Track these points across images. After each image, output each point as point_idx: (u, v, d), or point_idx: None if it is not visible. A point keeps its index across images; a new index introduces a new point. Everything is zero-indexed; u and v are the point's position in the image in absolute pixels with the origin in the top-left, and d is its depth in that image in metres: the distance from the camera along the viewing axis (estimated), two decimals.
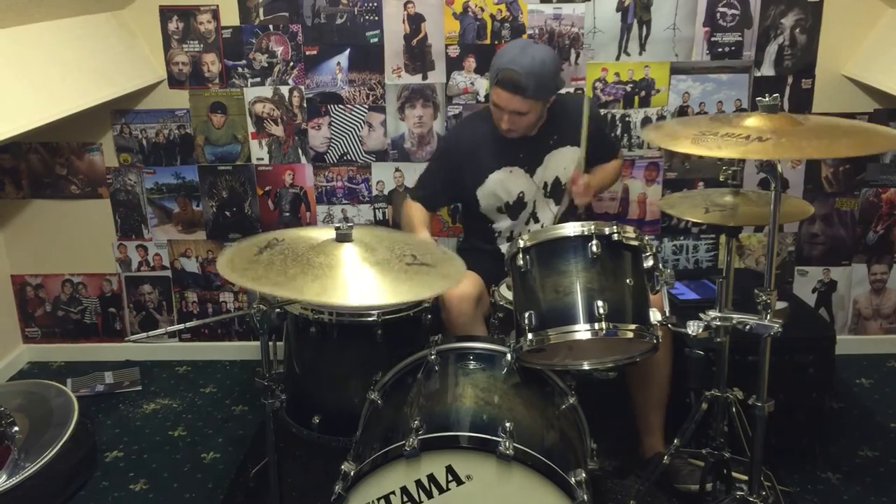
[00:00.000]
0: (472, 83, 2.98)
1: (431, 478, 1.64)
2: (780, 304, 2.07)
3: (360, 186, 3.12)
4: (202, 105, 3.05)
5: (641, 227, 3.10)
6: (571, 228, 1.87)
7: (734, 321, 1.79)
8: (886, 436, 2.67)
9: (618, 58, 2.94)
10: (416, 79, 2.98)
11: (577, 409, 1.95)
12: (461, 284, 2.14)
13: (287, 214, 3.17)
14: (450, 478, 1.63)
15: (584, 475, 1.67)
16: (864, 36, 2.87)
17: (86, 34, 2.68)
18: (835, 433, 2.65)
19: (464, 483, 1.63)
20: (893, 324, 3.24)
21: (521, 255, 1.89)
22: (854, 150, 1.64)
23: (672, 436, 2.12)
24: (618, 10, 2.89)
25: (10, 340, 3.30)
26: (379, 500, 1.66)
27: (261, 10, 2.94)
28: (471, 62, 2.96)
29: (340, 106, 3.03)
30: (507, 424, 1.66)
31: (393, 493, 1.65)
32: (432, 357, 1.94)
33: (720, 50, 2.93)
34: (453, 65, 2.96)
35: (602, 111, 2.95)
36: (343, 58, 2.98)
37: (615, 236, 1.84)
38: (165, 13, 2.95)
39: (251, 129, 3.07)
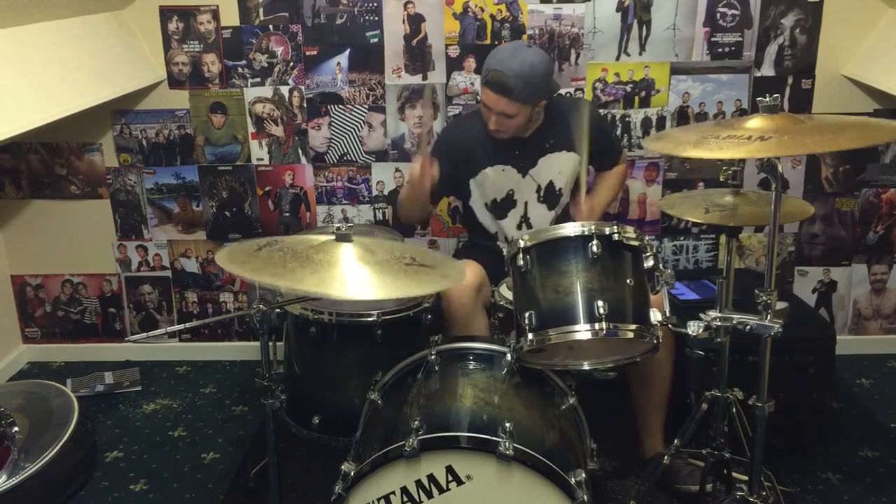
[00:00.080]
0: (472, 83, 2.98)
1: (431, 478, 1.64)
2: (781, 305, 2.06)
3: (361, 187, 3.12)
4: (202, 105, 3.05)
5: (642, 227, 3.10)
6: (572, 228, 1.86)
7: (734, 321, 1.79)
8: (886, 436, 2.67)
9: (618, 58, 2.94)
10: (416, 79, 2.98)
11: (577, 410, 1.95)
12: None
13: (287, 215, 3.17)
14: (450, 478, 1.63)
15: (584, 475, 1.67)
16: (864, 36, 2.88)
17: (86, 34, 2.68)
18: (835, 433, 2.65)
19: (464, 483, 1.63)
20: (893, 324, 3.24)
21: (521, 255, 1.88)
22: (857, 141, 1.62)
23: (672, 436, 2.11)
24: (618, 11, 2.89)
25: (10, 340, 3.30)
26: (379, 500, 1.66)
27: (261, 11, 2.94)
28: (471, 62, 2.96)
29: (340, 106, 3.03)
30: (507, 425, 1.66)
31: (393, 493, 1.65)
32: (432, 357, 1.93)
33: (720, 50, 2.93)
34: (453, 65, 2.96)
35: (602, 111, 2.95)
36: (343, 58, 2.98)
37: (615, 236, 1.84)
38: (165, 13, 2.95)
39: (251, 129, 3.07)
